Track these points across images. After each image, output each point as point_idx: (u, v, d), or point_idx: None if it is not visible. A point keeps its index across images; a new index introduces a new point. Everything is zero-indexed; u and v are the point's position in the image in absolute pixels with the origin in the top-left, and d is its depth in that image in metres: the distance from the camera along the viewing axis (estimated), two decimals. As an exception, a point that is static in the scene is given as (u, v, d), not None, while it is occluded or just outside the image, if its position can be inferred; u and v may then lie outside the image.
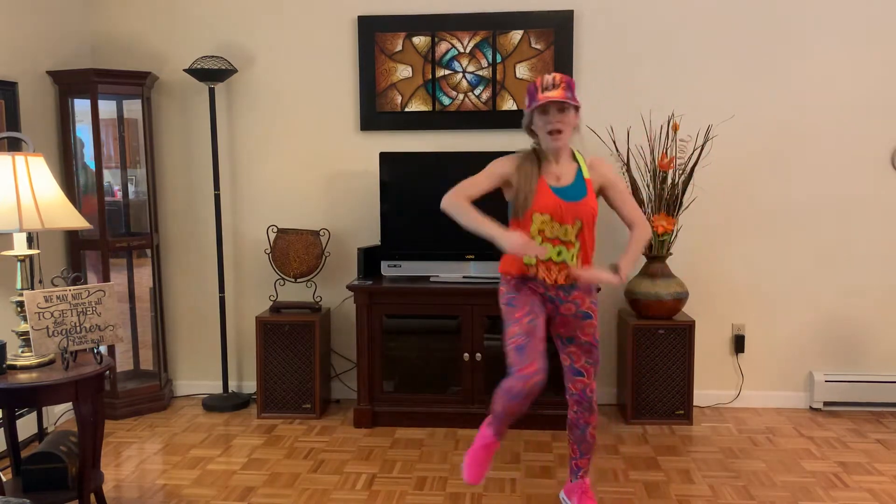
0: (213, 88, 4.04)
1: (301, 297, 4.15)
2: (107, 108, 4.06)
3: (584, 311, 2.65)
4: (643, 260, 3.93)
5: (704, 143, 3.86)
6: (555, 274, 2.57)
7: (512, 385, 2.47)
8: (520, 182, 2.55)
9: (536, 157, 2.60)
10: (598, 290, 2.71)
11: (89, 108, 3.86)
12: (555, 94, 2.45)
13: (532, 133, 2.63)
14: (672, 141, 3.82)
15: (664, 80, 4.00)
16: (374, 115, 4.11)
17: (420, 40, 4.05)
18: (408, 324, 3.93)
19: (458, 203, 2.54)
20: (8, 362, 2.59)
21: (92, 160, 3.91)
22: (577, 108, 2.54)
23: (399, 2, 4.06)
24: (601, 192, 2.66)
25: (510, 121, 4.03)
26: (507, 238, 2.42)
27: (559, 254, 2.56)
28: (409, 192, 3.88)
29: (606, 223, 4.07)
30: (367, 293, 3.76)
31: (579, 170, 2.60)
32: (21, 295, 2.61)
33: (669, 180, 3.77)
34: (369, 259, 3.92)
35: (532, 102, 2.52)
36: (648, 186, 3.82)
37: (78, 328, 2.63)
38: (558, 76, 2.50)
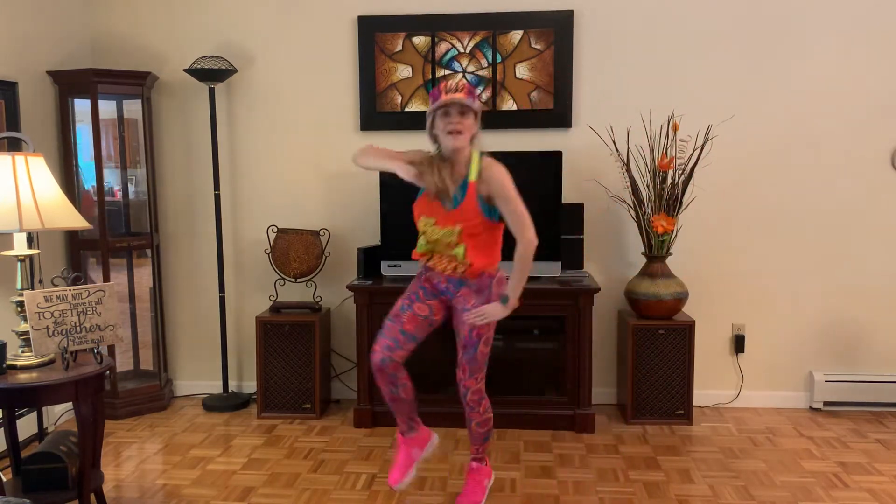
0: (213, 88, 4.04)
1: (301, 297, 4.15)
2: (107, 108, 4.06)
3: (468, 308, 2.72)
4: (643, 260, 3.93)
5: (704, 143, 3.85)
6: (444, 263, 2.67)
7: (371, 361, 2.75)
8: (425, 182, 2.64)
9: (440, 160, 2.66)
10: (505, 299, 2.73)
11: (89, 108, 3.86)
12: (457, 96, 2.53)
13: (434, 138, 2.67)
14: (672, 141, 3.82)
15: (664, 80, 4.00)
16: (374, 115, 4.11)
17: (420, 40, 4.05)
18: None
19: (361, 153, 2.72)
20: (8, 362, 2.59)
21: (92, 160, 3.91)
22: (476, 115, 2.62)
23: (399, 2, 4.06)
24: (490, 200, 2.63)
25: (510, 121, 4.04)
26: (404, 172, 2.59)
27: (446, 248, 2.66)
28: (409, 192, 3.84)
29: (610, 226, 4.09)
30: (367, 293, 3.76)
31: (467, 175, 2.62)
32: (21, 295, 2.61)
33: (669, 180, 3.77)
34: (369, 259, 3.92)
35: (434, 103, 2.59)
36: (648, 186, 3.82)
37: (78, 328, 2.63)
38: (462, 82, 2.60)
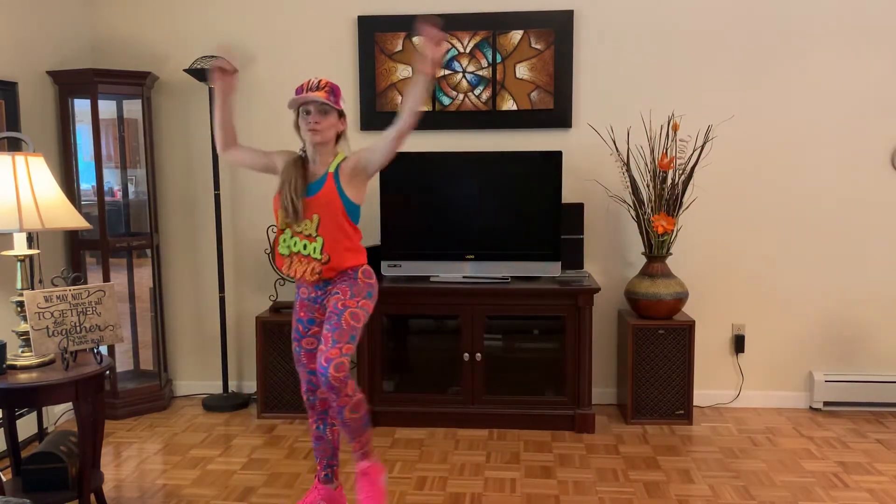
0: (213, 88, 4.03)
1: (301, 297, 4.15)
2: (107, 108, 4.06)
3: (335, 291, 2.64)
4: (643, 260, 3.93)
5: (704, 143, 3.86)
6: (304, 267, 2.63)
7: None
8: (282, 183, 2.65)
9: (302, 163, 2.68)
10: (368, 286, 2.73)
11: (89, 108, 3.86)
12: (315, 95, 2.56)
13: (300, 133, 2.69)
14: (672, 141, 3.83)
15: (664, 80, 4.00)
16: (374, 115, 4.11)
17: (420, 40, 4.05)
18: (408, 324, 3.93)
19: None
20: (8, 362, 2.59)
21: (92, 160, 3.91)
22: (340, 114, 2.66)
23: (399, 2, 4.06)
24: (361, 170, 2.66)
25: (510, 121, 4.04)
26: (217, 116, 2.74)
27: (304, 247, 2.65)
28: (409, 192, 3.88)
29: (610, 226, 4.09)
30: (367, 293, 3.76)
31: (328, 168, 2.65)
32: (21, 295, 2.61)
33: (669, 180, 3.77)
34: (369, 259, 3.89)
35: (293, 102, 2.61)
36: (648, 186, 3.82)
37: (78, 328, 2.63)
38: (324, 80, 2.62)
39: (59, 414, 3.89)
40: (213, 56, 3.97)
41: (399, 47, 4.06)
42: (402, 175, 3.88)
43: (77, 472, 2.67)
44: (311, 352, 2.75)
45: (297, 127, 2.68)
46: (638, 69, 4.00)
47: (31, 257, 2.79)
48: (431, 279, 3.84)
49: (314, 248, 2.63)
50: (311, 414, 2.81)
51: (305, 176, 2.64)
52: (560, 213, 3.78)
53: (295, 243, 2.65)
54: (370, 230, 4.10)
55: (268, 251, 4.02)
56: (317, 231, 2.62)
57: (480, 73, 4.04)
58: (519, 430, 3.74)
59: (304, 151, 2.71)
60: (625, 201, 3.96)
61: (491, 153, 3.89)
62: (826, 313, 4.05)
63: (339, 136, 2.69)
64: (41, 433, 3.44)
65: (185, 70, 3.95)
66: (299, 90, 2.61)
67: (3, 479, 2.62)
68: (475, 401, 3.79)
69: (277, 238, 2.70)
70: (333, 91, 2.62)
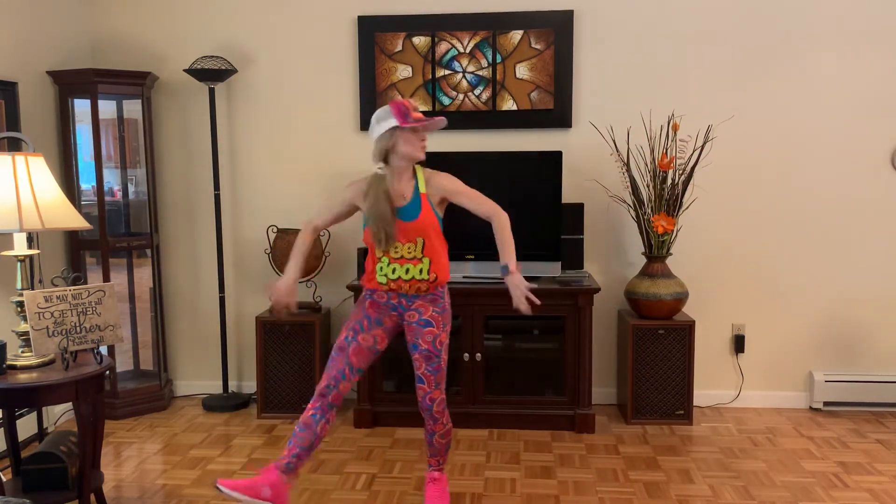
0: (213, 88, 4.04)
1: (301, 297, 4.14)
2: (107, 108, 4.06)
3: (426, 319, 2.75)
4: (643, 260, 3.93)
5: (704, 143, 3.86)
6: (406, 288, 2.71)
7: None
8: (370, 209, 2.67)
9: (385, 185, 2.69)
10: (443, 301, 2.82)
11: (89, 108, 3.86)
12: (425, 119, 2.65)
13: (386, 152, 2.67)
14: (672, 141, 3.83)
15: (664, 80, 4.00)
16: (374, 115, 4.11)
17: (420, 40, 4.05)
18: (408, 324, 3.92)
19: (303, 234, 2.81)
20: (8, 362, 2.59)
21: (92, 160, 3.91)
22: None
23: (399, 2, 4.06)
24: (445, 202, 2.75)
25: (510, 121, 4.04)
26: (281, 283, 2.73)
27: (407, 272, 2.70)
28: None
29: (610, 226, 4.09)
30: (367, 293, 3.76)
31: (416, 186, 2.71)
32: (21, 295, 2.61)
33: (669, 180, 3.77)
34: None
35: (406, 120, 2.61)
36: (648, 186, 3.82)
37: (78, 328, 2.63)
38: (415, 103, 2.76)
39: (59, 414, 3.89)
40: (213, 56, 3.97)
41: (399, 47, 4.06)
42: (402, 175, 3.87)
43: (77, 472, 2.67)
44: (363, 348, 2.76)
45: (389, 147, 2.65)
46: (638, 69, 4.00)
47: (31, 257, 2.79)
48: (431, 279, 3.84)
49: (420, 270, 2.70)
50: (316, 400, 2.69)
51: (392, 199, 2.67)
52: (560, 213, 3.78)
53: (394, 270, 2.70)
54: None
55: (268, 251, 4.02)
56: (422, 253, 2.69)
57: (480, 73, 4.04)
58: (519, 430, 3.74)
59: (381, 170, 2.71)
60: (625, 201, 3.96)
61: (491, 153, 3.89)
62: (826, 313, 4.05)
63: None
64: (41, 433, 3.43)
65: (185, 70, 3.95)
66: (405, 112, 2.62)
67: (3, 479, 2.62)
68: (475, 401, 3.79)
69: (373, 263, 2.75)
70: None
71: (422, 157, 2.68)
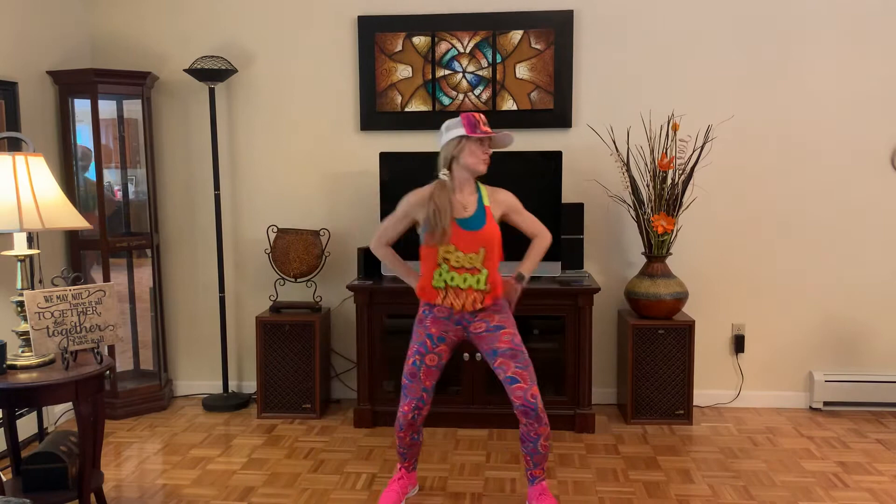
0: (213, 88, 4.04)
1: (301, 297, 4.15)
2: (107, 108, 4.06)
3: (495, 325, 2.77)
4: (643, 260, 3.93)
5: (704, 143, 3.86)
6: (462, 300, 2.72)
7: (397, 417, 2.87)
8: (430, 216, 2.69)
9: (447, 194, 2.72)
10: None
11: (89, 108, 3.86)
12: (493, 132, 2.71)
13: (451, 160, 2.72)
14: (672, 141, 3.83)
15: (664, 80, 4.00)
16: (374, 115, 4.11)
17: (420, 40, 4.05)
18: (408, 324, 3.89)
19: (381, 252, 2.88)
20: (8, 362, 2.59)
21: (92, 160, 3.91)
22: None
23: (399, 2, 4.06)
24: (504, 217, 2.82)
25: (510, 121, 4.04)
26: (418, 291, 2.80)
27: (465, 280, 2.71)
28: (409, 192, 3.86)
29: (610, 226, 4.09)
30: (367, 293, 3.76)
31: (480, 199, 2.76)
32: (21, 295, 2.61)
33: (669, 180, 3.77)
34: (369, 259, 3.92)
35: (475, 131, 2.66)
36: (648, 186, 3.82)
37: (78, 328, 2.63)
38: (483, 117, 2.74)
39: (59, 414, 3.89)
40: (213, 56, 3.97)
41: (399, 47, 4.06)
42: (402, 175, 3.87)
43: (77, 472, 2.67)
44: (432, 369, 2.80)
45: (454, 156, 2.70)
46: (638, 69, 4.01)
47: (31, 257, 2.79)
48: (431, 279, 3.84)
49: (477, 280, 2.71)
50: (407, 430, 2.84)
51: (453, 203, 2.71)
52: (560, 213, 3.77)
53: (452, 278, 2.71)
54: (370, 230, 4.10)
55: (268, 251, 4.02)
56: (482, 264, 2.70)
57: (480, 73, 4.04)
58: (519, 430, 3.73)
59: (444, 176, 2.75)
60: (625, 201, 3.96)
61: (490, 153, 3.88)
62: (826, 313, 4.05)
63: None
64: (41, 433, 3.44)
65: (185, 70, 3.95)
66: (474, 123, 2.67)
67: (3, 479, 2.62)
68: (475, 401, 3.79)
69: (430, 270, 2.74)
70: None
71: (483, 170, 2.71)
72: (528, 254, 2.86)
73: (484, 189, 2.79)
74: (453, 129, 2.70)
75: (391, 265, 2.89)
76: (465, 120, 2.67)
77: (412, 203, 2.78)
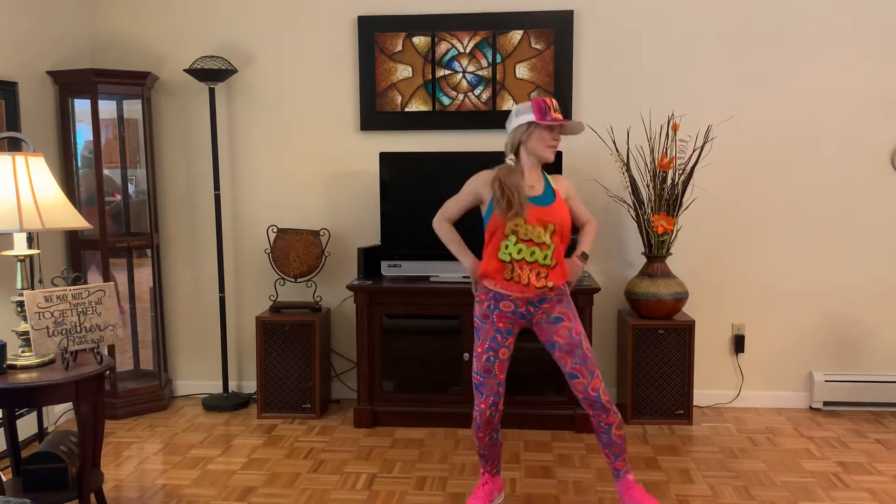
0: (213, 88, 4.04)
1: (301, 297, 4.15)
2: (107, 108, 4.06)
3: (556, 315, 2.75)
4: (643, 260, 3.93)
5: (704, 143, 3.86)
6: (527, 273, 2.67)
7: (473, 417, 2.82)
8: (502, 195, 2.66)
9: (517, 173, 2.72)
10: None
11: (89, 108, 3.86)
12: (564, 120, 2.67)
13: (518, 145, 2.72)
14: (672, 141, 3.83)
15: (664, 80, 4.00)
16: (374, 115, 4.11)
17: (420, 40, 4.05)
18: (408, 324, 3.93)
19: (439, 227, 2.88)
20: (8, 362, 2.59)
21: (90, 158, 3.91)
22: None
23: (399, 2, 4.06)
24: (565, 201, 2.84)
25: (510, 121, 4.03)
26: (470, 270, 2.82)
27: (532, 254, 2.68)
28: (409, 192, 3.88)
29: (610, 226, 4.09)
30: (367, 293, 3.76)
31: (547, 182, 2.78)
32: (21, 295, 2.61)
33: (669, 180, 3.77)
34: (369, 259, 3.92)
35: (545, 117, 2.64)
36: (648, 186, 3.82)
37: (78, 328, 2.63)
38: (556, 103, 2.70)
39: (59, 414, 3.89)
40: (213, 56, 3.97)
41: (399, 47, 4.06)
42: (402, 175, 3.88)
43: (77, 472, 2.67)
44: (504, 362, 2.77)
45: (522, 141, 2.70)
46: (638, 69, 4.00)
47: (31, 257, 2.79)
48: (431, 279, 3.84)
49: (545, 255, 2.69)
50: (484, 429, 2.79)
51: (522, 180, 2.70)
52: (560, 213, 3.77)
53: (520, 250, 2.67)
54: (370, 230, 4.10)
55: (268, 251, 4.02)
56: (550, 239, 2.69)
57: (480, 73, 4.04)
58: (519, 430, 3.74)
59: (511, 161, 2.77)
60: (625, 201, 3.96)
61: (491, 153, 3.88)
62: (826, 313, 4.05)
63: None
64: (41, 433, 3.44)
65: (185, 70, 3.96)
66: (544, 108, 2.64)
67: (3, 479, 2.62)
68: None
69: (496, 244, 2.70)
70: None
71: (549, 157, 2.71)
72: (584, 235, 2.93)
73: (549, 177, 2.81)
74: (523, 114, 2.67)
75: (449, 243, 2.86)
76: (535, 105, 2.64)
77: (480, 181, 2.75)
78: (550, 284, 2.69)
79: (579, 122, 2.71)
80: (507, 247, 2.68)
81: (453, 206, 2.85)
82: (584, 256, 2.89)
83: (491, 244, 2.72)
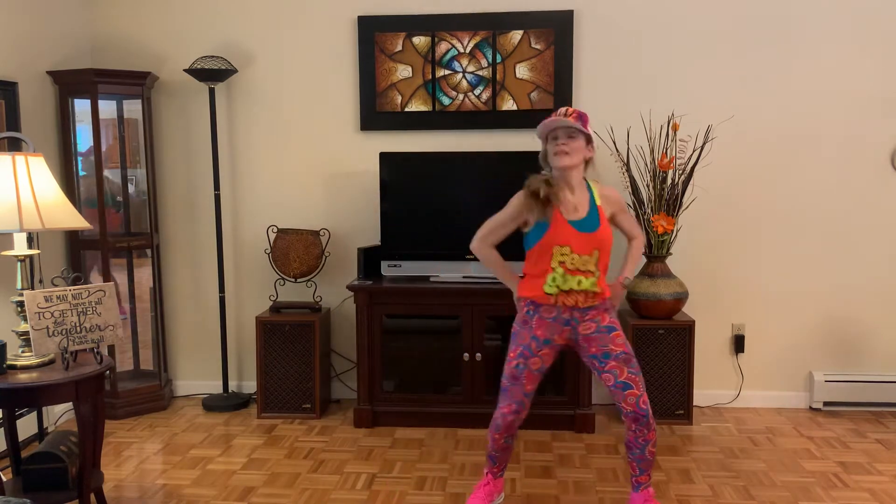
0: (213, 88, 4.04)
1: (301, 297, 4.15)
2: (107, 108, 4.06)
3: (607, 325, 2.69)
4: (643, 260, 3.93)
5: (704, 143, 3.86)
6: (573, 300, 2.65)
7: (494, 418, 2.79)
8: (532, 212, 2.64)
9: (548, 186, 2.66)
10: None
11: (89, 108, 3.86)
12: (562, 119, 2.60)
13: (546, 164, 2.72)
14: (672, 141, 3.83)
15: (664, 80, 4.00)
16: (374, 115, 4.11)
17: (420, 40, 4.05)
18: (408, 324, 3.93)
19: (484, 253, 2.82)
20: (8, 362, 2.59)
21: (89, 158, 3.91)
22: (588, 139, 2.66)
23: (399, 2, 4.06)
24: (612, 217, 2.79)
25: (510, 121, 4.04)
26: (515, 295, 2.78)
27: (579, 283, 2.64)
28: (409, 192, 3.88)
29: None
30: (367, 293, 3.76)
31: (592, 199, 2.69)
32: (21, 295, 2.61)
33: (669, 180, 3.77)
34: (369, 259, 3.92)
35: (543, 131, 2.64)
36: (648, 186, 3.82)
37: (78, 328, 2.63)
38: (571, 108, 2.65)
39: (59, 414, 3.89)
40: (213, 56, 3.97)
41: (399, 47, 4.06)
42: (402, 175, 3.88)
43: (77, 472, 2.67)
44: (534, 373, 2.70)
45: (544, 157, 2.70)
46: (637, 69, 4.00)
47: (31, 257, 2.79)
48: (431, 279, 3.84)
49: (592, 283, 2.65)
50: (503, 432, 2.76)
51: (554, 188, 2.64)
52: (560, 213, 3.77)
53: (566, 280, 2.63)
54: (370, 230, 4.10)
55: (268, 251, 4.02)
56: (596, 266, 2.65)
57: (480, 73, 4.04)
58: (519, 430, 3.72)
59: (548, 177, 2.71)
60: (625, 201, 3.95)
61: (491, 153, 3.89)
62: (826, 313, 4.05)
63: (586, 163, 2.70)
64: (41, 433, 3.44)
65: (185, 70, 3.96)
66: (546, 124, 2.63)
67: (3, 479, 2.62)
68: (475, 401, 3.79)
69: (540, 273, 2.66)
70: (581, 117, 2.63)
71: (557, 163, 2.62)
72: (629, 257, 2.87)
73: (594, 187, 2.72)
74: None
75: (493, 268, 2.82)
76: (544, 123, 2.63)
77: (520, 203, 2.69)
78: (594, 303, 2.67)
79: (552, 119, 2.60)
80: (553, 280, 2.64)
81: (499, 230, 2.76)
82: (627, 282, 2.86)
83: (534, 269, 2.68)
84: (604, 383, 2.71)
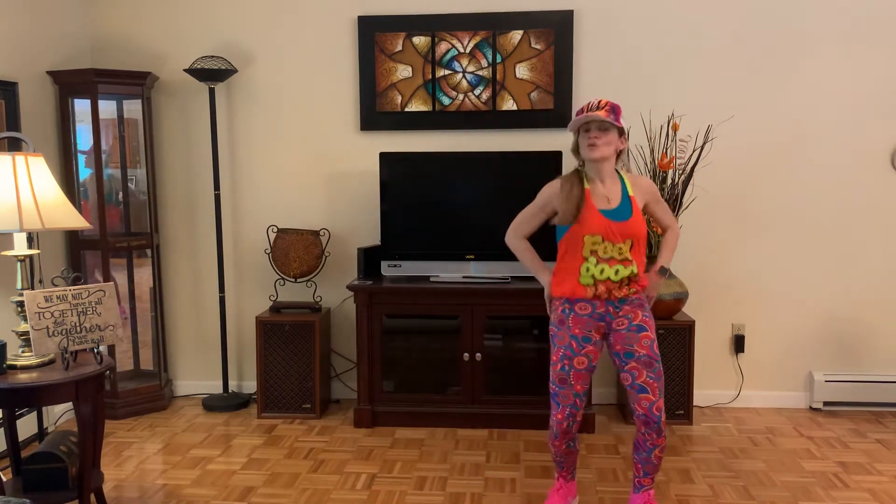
0: (213, 88, 4.04)
1: (301, 297, 4.15)
2: (107, 108, 4.06)
3: (638, 324, 2.67)
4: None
5: (704, 143, 3.86)
6: (615, 292, 2.63)
7: (550, 426, 2.75)
8: (562, 202, 2.64)
9: (579, 178, 2.67)
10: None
11: (89, 108, 3.86)
12: (594, 114, 2.57)
13: (578, 155, 2.71)
14: (672, 141, 3.83)
15: (664, 80, 4.00)
16: (374, 115, 4.11)
17: (420, 40, 4.05)
18: (408, 324, 3.93)
19: (515, 243, 2.82)
20: (8, 362, 2.59)
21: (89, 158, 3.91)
22: (621, 132, 2.64)
23: (399, 2, 4.06)
24: (646, 205, 2.75)
25: (510, 121, 4.04)
26: (545, 288, 2.76)
27: (616, 272, 2.62)
28: (409, 192, 3.88)
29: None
30: (367, 293, 3.76)
31: (624, 189, 2.68)
32: (21, 295, 2.61)
33: (669, 180, 3.77)
34: (369, 259, 3.92)
35: (574, 124, 2.63)
36: (648, 186, 3.81)
37: (78, 328, 2.63)
38: (604, 100, 2.62)
39: (59, 414, 3.89)
40: (213, 56, 3.97)
41: (399, 47, 4.06)
42: (402, 175, 3.88)
43: (77, 472, 2.67)
44: (582, 372, 2.66)
45: (576, 149, 2.68)
46: (637, 69, 4.00)
47: (31, 257, 2.79)
48: (431, 279, 3.84)
49: (630, 272, 2.62)
50: (561, 439, 2.71)
51: (582, 183, 2.64)
52: (560, 213, 3.77)
53: (602, 271, 2.60)
54: (370, 230, 4.10)
55: (268, 251, 4.02)
56: (630, 254, 2.62)
57: (480, 73, 4.04)
58: (519, 430, 3.74)
59: (579, 169, 2.71)
60: (625, 201, 3.95)
61: (491, 153, 3.89)
62: (826, 313, 4.05)
63: (619, 155, 2.68)
64: (41, 433, 3.44)
65: (185, 70, 3.96)
66: (580, 112, 2.61)
67: (3, 479, 2.62)
68: (475, 401, 3.79)
69: (573, 264, 2.63)
70: (614, 109, 2.61)
71: (589, 156, 2.60)
72: (665, 246, 2.83)
73: (626, 178, 2.70)
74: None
75: (525, 260, 2.81)
76: (576, 113, 2.62)
77: (552, 191, 2.69)
78: (634, 290, 2.64)
79: (593, 113, 2.56)
80: (588, 269, 2.61)
81: (528, 222, 2.78)
82: (663, 271, 2.80)
83: (565, 261, 2.66)
84: (622, 381, 2.72)
